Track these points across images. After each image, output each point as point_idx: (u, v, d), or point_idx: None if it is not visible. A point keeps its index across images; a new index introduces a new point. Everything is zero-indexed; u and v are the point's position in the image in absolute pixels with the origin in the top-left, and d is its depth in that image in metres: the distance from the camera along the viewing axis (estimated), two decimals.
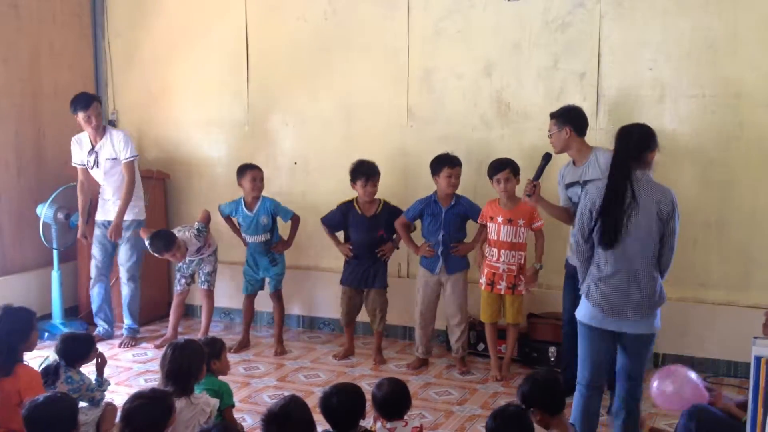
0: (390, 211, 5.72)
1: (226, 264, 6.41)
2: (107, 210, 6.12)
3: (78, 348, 4.23)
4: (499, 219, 5.25)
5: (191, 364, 3.70)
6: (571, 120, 4.80)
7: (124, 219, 6.06)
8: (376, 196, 5.69)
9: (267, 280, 6.06)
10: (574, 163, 4.84)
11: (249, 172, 5.89)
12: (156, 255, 5.79)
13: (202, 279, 6.05)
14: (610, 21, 5.52)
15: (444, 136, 5.97)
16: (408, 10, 6.06)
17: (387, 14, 6.12)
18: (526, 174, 5.20)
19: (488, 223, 5.33)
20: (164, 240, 5.72)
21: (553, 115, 4.87)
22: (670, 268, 3.94)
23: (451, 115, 6.01)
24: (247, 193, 5.90)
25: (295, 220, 5.98)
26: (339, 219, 5.75)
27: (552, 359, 5.43)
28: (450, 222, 5.45)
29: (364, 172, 5.62)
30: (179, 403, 3.48)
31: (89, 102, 5.97)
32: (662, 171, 5.19)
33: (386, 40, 6.15)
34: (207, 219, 5.95)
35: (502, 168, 5.22)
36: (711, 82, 5.33)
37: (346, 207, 5.73)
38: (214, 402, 3.75)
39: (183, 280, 6.06)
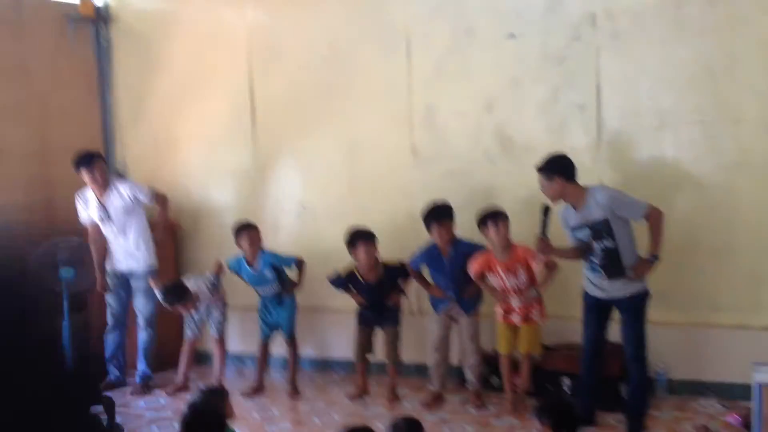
0: (392, 271, 5.76)
1: (238, 309, 6.42)
2: (118, 260, 6.18)
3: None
4: (499, 270, 5.30)
5: (212, 423, 3.69)
6: (558, 170, 4.83)
7: (138, 269, 6.14)
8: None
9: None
10: (573, 207, 4.86)
11: (245, 233, 5.95)
12: (167, 306, 5.84)
13: (214, 327, 6.08)
14: (607, 52, 5.60)
15: (449, 173, 6.03)
16: (408, 50, 6.17)
17: (387, 56, 6.24)
18: (531, 209, 5.22)
19: (489, 276, 5.35)
20: (178, 293, 5.79)
21: (539, 169, 4.89)
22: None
23: (454, 151, 6.08)
24: (246, 252, 5.96)
25: (300, 263, 6.02)
26: (344, 284, 5.81)
27: (566, 390, 5.39)
28: (454, 267, 5.48)
29: (363, 236, 5.66)
30: None
31: (91, 159, 6.06)
32: (665, 199, 5.26)
33: (387, 81, 6.25)
34: (219, 270, 6.02)
35: (496, 217, 5.25)
36: (711, 108, 5.38)
37: (348, 278, 5.77)
38: None
39: (194, 326, 6.09)
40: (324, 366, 6.58)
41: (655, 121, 5.52)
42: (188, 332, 6.12)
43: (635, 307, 4.79)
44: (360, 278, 5.74)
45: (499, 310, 5.40)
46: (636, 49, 5.53)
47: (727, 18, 5.29)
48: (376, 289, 5.72)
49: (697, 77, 5.39)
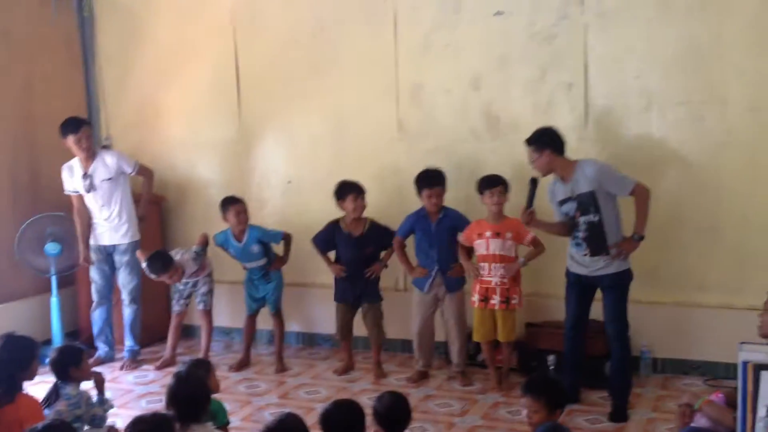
0: (377, 230, 5.77)
1: (225, 284, 6.43)
2: (101, 234, 6.15)
3: (68, 354, 4.23)
4: (487, 234, 5.29)
5: (201, 391, 3.72)
6: (548, 143, 4.85)
7: (121, 243, 6.12)
8: (365, 215, 5.76)
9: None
10: (561, 179, 4.88)
11: (232, 207, 5.94)
12: (152, 277, 5.82)
13: (199, 299, 6.09)
14: (594, 31, 5.57)
15: (435, 149, 6.02)
16: (395, 25, 6.11)
17: (374, 30, 6.18)
18: (517, 186, 5.26)
19: (476, 241, 5.34)
20: (161, 262, 5.76)
21: (529, 142, 4.89)
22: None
23: (441, 128, 6.06)
24: (233, 226, 5.96)
25: (287, 238, 6.02)
26: (328, 238, 5.80)
27: (551, 367, 5.45)
28: (441, 237, 5.48)
29: (353, 188, 5.68)
30: None
31: (79, 126, 6.02)
32: (652, 179, 5.28)
33: (374, 55, 6.20)
34: (205, 242, 6.02)
35: (495, 184, 5.25)
36: (697, 89, 5.38)
37: (333, 227, 5.79)
38: None
39: (181, 301, 6.10)
40: (310, 341, 6.61)
41: (641, 101, 5.52)
42: (175, 307, 6.13)
43: (617, 286, 4.83)
44: (344, 228, 5.74)
45: (475, 297, 5.38)
46: (623, 29, 5.51)
47: None
48: (358, 244, 5.71)
49: (684, 57, 5.39)
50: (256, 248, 5.95)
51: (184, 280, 5.98)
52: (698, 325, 5.46)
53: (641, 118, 5.52)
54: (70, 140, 6.00)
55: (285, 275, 6.20)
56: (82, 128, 6.02)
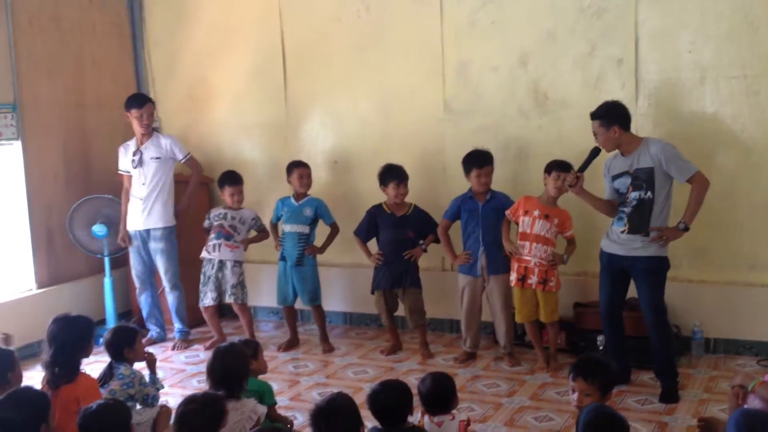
0: (420, 214, 5.76)
1: (272, 264, 6.45)
2: (137, 219, 6.18)
3: (122, 335, 4.30)
4: (536, 213, 5.23)
5: (237, 367, 3.79)
6: (617, 118, 4.75)
7: (155, 227, 6.17)
8: (407, 200, 5.76)
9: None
10: (622, 153, 4.79)
11: (296, 169, 6.01)
12: (228, 186, 6.03)
13: (230, 293, 6.04)
14: (646, 5, 5.45)
15: (482, 128, 5.97)
16: (441, 3, 6.06)
17: (420, 9, 6.13)
18: None
19: (522, 218, 5.28)
20: (234, 174, 6.13)
21: (596, 116, 4.78)
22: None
23: (487, 106, 6.00)
24: (296, 189, 6.01)
25: (335, 228, 6.04)
26: (369, 225, 5.81)
27: (600, 347, 5.39)
28: (487, 217, 5.45)
29: (396, 175, 5.68)
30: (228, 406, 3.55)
31: (144, 102, 6.17)
32: (704, 154, 5.19)
33: (420, 34, 6.15)
34: (272, 229, 6.22)
35: (566, 169, 5.13)
36: (752, 62, 5.23)
37: (375, 209, 5.81)
38: (263, 410, 3.81)
39: (210, 294, 6.04)
40: (358, 321, 6.64)
41: (694, 75, 5.39)
42: (204, 300, 6.07)
43: (651, 273, 4.72)
44: (386, 209, 5.76)
45: (513, 276, 5.33)
46: (675, 2, 5.38)
47: None
48: (401, 224, 5.70)
49: (738, 29, 5.25)
50: (309, 211, 5.97)
51: (228, 214, 6.05)
52: (751, 305, 5.35)
53: (694, 93, 5.40)
54: (133, 114, 6.11)
55: (332, 255, 6.22)
56: (146, 104, 6.15)
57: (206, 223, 6.16)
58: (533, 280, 5.25)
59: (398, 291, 5.78)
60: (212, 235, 6.05)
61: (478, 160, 5.43)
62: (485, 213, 5.45)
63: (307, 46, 6.60)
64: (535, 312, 5.33)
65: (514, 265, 5.32)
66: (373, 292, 5.86)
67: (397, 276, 5.73)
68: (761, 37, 5.19)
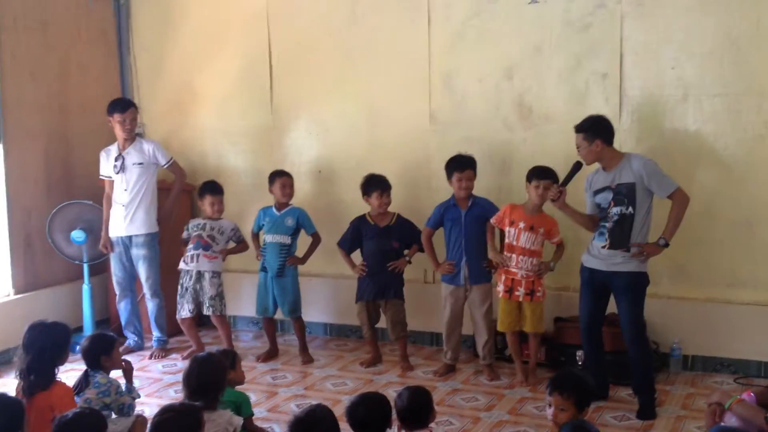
0: (404, 224, 5.76)
1: (253, 273, 6.41)
2: (120, 226, 6.13)
3: (100, 343, 4.25)
4: (521, 224, 5.23)
5: (214, 378, 3.75)
6: (600, 132, 4.76)
7: (138, 234, 6.12)
8: (390, 210, 5.76)
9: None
10: (604, 168, 4.81)
11: (278, 179, 5.99)
12: (209, 195, 6.03)
13: (208, 305, 5.97)
14: (631, 20, 5.48)
15: (467, 139, 5.96)
16: (429, 15, 6.07)
17: (408, 20, 6.14)
18: None
19: (507, 228, 5.29)
20: (214, 184, 6.12)
21: (580, 129, 4.80)
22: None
23: (473, 118, 6.01)
24: (277, 199, 5.99)
25: (316, 238, 6.03)
26: (353, 236, 5.80)
27: (580, 363, 5.39)
28: (470, 225, 5.44)
29: (379, 184, 5.68)
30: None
31: (127, 106, 6.12)
32: (686, 171, 5.22)
33: (408, 45, 6.16)
34: (253, 240, 6.17)
35: (546, 177, 5.14)
36: (734, 80, 5.27)
37: (358, 221, 5.80)
38: (239, 421, 3.77)
39: (187, 306, 5.99)
40: (338, 332, 6.61)
41: (678, 92, 5.42)
42: (182, 312, 6.01)
43: (631, 289, 4.72)
44: (369, 220, 5.75)
45: (500, 287, 5.34)
46: (660, 18, 5.41)
47: None
48: (384, 235, 5.69)
49: (722, 48, 5.28)
50: (290, 221, 5.94)
51: (208, 225, 6.01)
52: (730, 322, 5.37)
53: (677, 110, 5.43)
54: (116, 118, 6.06)
55: (314, 265, 6.20)
56: (129, 109, 6.10)
57: (185, 234, 6.11)
58: (520, 291, 5.26)
59: (381, 302, 5.76)
60: (190, 246, 6.00)
61: (459, 164, 5.44)
62: (468, 221, 5.45)
63: (294, 54, 6.58)
64: (517, 322, 5.34)
65: (501, 277, 5.33)
66: (356, 302, 5.84)
67: (381, 287, 5.71)
68: (744, 56, 5.23)
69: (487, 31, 5.91)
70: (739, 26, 5.22)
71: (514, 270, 5.25)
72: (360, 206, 5.88)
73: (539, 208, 5.25)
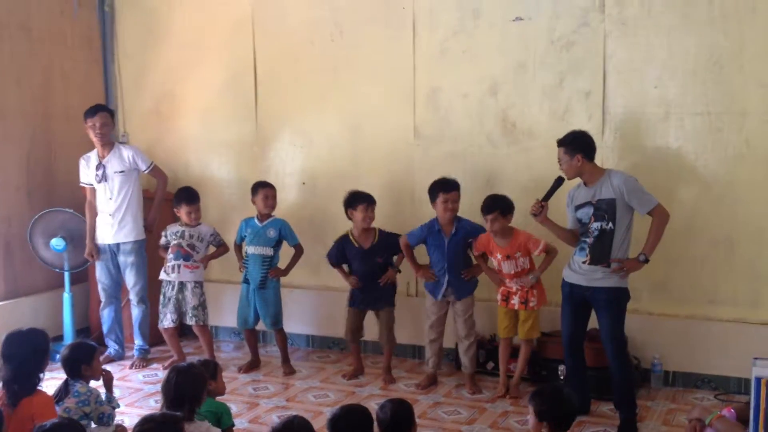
0: (387, 239, 5.77)
1: (233, 284, 6.41)
2: (105, 232, 6.12)
3: (80, 352, 4.22)
4: (498, 256, 5.31)
5: (192, 388, 3.73)
6: (581, 147, 4.81)
7: (125, 241, 6.10)
8: (374, 224, 5.78)
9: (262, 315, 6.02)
10: (585, 184, 4.85)
11: (261, 190, 5.98)
12: (185, 205, 5.94)
13: (190, 315, 5.96)
14: (614, 39, 5.54)
15: (451, 154, 6.01)
16: (414, 30, 6.10)
17: (393, 35, 6.17)
18: (533, 194, 5.21)
19: (489, 257, 5.41)
20: (190, 192, 6.00)
21: (561, 143, 4.85)
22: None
23: (457, 133, 6.04)
24: (260, 210, 5.97)
25: (299, 249, 6.02)
26: (338, 254, 5.82)
27: (562, 377, 5.42)
28: (453, 251, 5.48)
29: (365, 198, 5.70)
30: None
31: (95, 111, 6.05)
32: (667, 188, 5.27)
33: (392, 60, 6.19)
34: (236, 250, 6.15)
35: (490, 210, 5.23)
36: (716, 99, 5.33)
37: (342, 241, 5.80)
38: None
39: (170, 315, 5.96)
40: (321, 344, 6.60)
41: (660, 110, 5.48)
42: (164, 321, 5.98)
43: (612, 305, 4.74)
44: (354, 242, 5.74)
45: (498, 296, 5.42)
46: (643, 37, 5.47)
47: (735, 8, 5.24)
48: (369, 256, 5.71)
49: (704, 67, 5.34)
50: (272, 233, 5.93)
51: (187, 233, 5.97)
52: (710, 339, 5.41)
53: (659, 128, 5.49)
54: (88, 123, 6.03)
55: (297, 277, 6.19)
56: (98, 113, 6.03)
57: (163, 241, 6.08)
58: (515, 300, 5.34)
59: (371, 308, 5.82)
60: (170, 255, 5.97)
61: (445, 186, 5.46)
62: (452, 246, 5.48)
63: (279, 65, 6.60)
64: (514, 328, 5.41)
65: (499, 288, 5.42)
66: (348, 306, 5.84)
67: (373, 298, 5.77)
68: (725, 75, 5.30)
69: (471, 47, 5.95)
70: (721, 46, 5.29)
71: (508, 285, 5.37)
72: (343, 218, 5.88)
73: (506, 234, 5.29)
